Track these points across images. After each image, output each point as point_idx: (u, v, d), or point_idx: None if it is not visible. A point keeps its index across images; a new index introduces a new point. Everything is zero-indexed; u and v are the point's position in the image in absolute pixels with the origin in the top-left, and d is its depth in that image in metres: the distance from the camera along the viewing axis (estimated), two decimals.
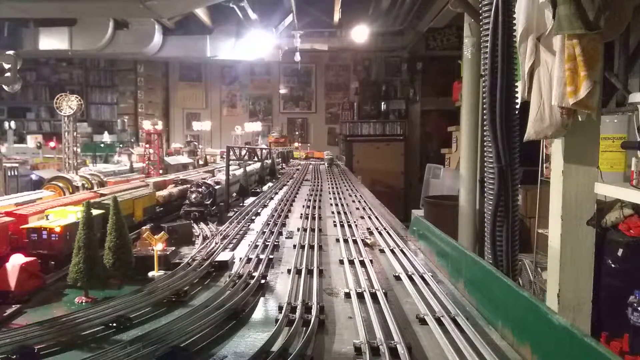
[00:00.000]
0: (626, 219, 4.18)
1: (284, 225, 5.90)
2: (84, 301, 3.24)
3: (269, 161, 12.31)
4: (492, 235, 3.72)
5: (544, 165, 5.40)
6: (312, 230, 5.42)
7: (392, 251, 4.60)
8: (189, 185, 6.55)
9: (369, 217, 6.46)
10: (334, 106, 23.80)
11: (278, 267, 4.16)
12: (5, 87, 7.03)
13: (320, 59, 22.91)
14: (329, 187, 9.60)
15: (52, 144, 15.80)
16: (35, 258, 3.50)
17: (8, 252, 3.59)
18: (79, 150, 10.66)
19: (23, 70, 13.60)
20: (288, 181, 11.21)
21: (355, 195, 8.71)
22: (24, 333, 2.52)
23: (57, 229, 3.74)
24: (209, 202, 6.14)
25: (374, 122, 21.60)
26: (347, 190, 9.42)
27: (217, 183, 6.66)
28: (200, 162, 15.18)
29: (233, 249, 4.68)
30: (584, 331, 2.15)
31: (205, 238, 5.07)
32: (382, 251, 4.71)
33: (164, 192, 6.45)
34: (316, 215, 6.37)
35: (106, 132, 21.55)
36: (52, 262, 3.75)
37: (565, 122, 3.38)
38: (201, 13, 12.06)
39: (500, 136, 3.58)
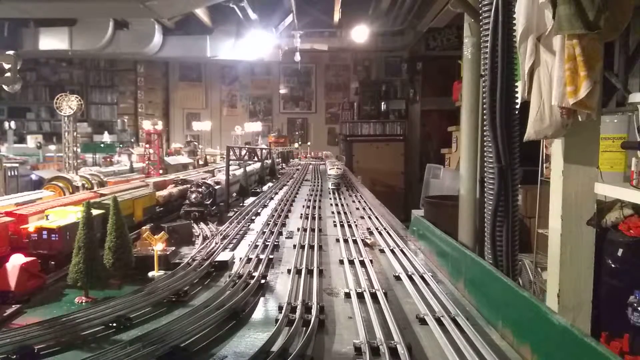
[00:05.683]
0: (626, 219, 4.17)
1: (284, 225, 5.90)
2: (84, 301, 3.24)
3: (269, 161, 12.31)
4: (492, 235, 3.72)
5: (544, 165, 5.40)
6: (312, 230, 5.42)
7: (392, 251, 4.61)
8: (189, 185, 6.55)
9: (369, 217, 6.46)
10: (334, 106, 23.80)
11: (278, 267, 4.16)
12: (5, 87, 7.04)
13: (320, 59, 22.91)
14: (329, 187, 9.58)
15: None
16: (35, 258, 3.50)
17: (8, 252, 3.59)
18: (79, 150, 10.65)
19: (23, 70, 13.60)
20: (288, 181, 11.20)
21: (355, 196, 8.71)
22: (24, 333, 2.52)
23: (57, 229, 3.74)
24: (209, 202, 6.14)
25: (374, 122, 21.61)
26: (347, 190, 9.42)
27: (217, 183, 6.67)
28: (200, 162, 15.19)
29: (233, 249, 4.68)
30: (584, 331, 2.15)
31: (205, 238, 5.07)
32: (382, 251, 4.71)
33: (164, 192, 6.45)
34: (316, 215, 6.37)
35: (106, 132, 21.55)
36: (52, 262, 3.75)
37: (565, 122, 3.37)
38: (201, 13, 12.06)
39: (500, 136, 3.58)
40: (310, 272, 3.80)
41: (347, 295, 3.34)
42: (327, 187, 9.42)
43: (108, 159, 15.19)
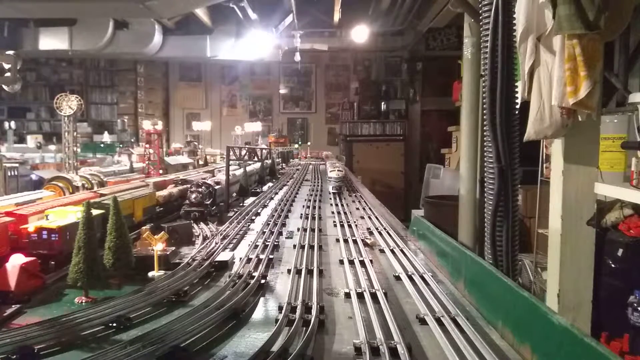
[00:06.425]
0: (626, 219, 4.16)
1: (284, 225, 5.90)
2: (84, 301, 3.24)
3: (269, 161, 12.31)
4: (492, 235, 3.72)
5: (544, 165, 5.39)
6: (312, 230, 5.42)
7: (392, 251, 4.61)
8: (189, 185, 6.55)
9: (369, 217, 6.46)
10: (334, 106, 23.80)
11: (278, 267, 4.16)
12: (5, 87, 7.03)
13: (320, 59, 22.91)
14: (330, 191, 9.54)
15: None
16: (35, 258, 3.50)
17: (8, 252, 3.59)
18: (79, 150, 10.66)
19: (23, 70, 13.56)
20: (288, 181, 11.21)
21: (356, 195, 8.71)
22: (24, 333, 2.52)
23: (57, 229, 3.74)
24: (209, 202, 6.14)
25: (374, 122, 21.59)
26: (347, 190, 9.41)
27: (217, 183, 6.67)
28: (200, 162, 15.19)
29: (233, 249, 4.68)
30: (584, 331, 2.15)
31: (205, 238, 5.07)
32: (382, 251, 4.71)
33: (164, 192, 6.46)
34: (316, 215, 6.37)
35: (106, 132, 21.55)
36: (52, 262, 3.75)
37: (565, 122, 3.37)
38: (201, 13, 12.05)
39: (500, 136, 3.58)
40: (310, 272, 3.80)
41: (347, 295, 3.34)
42: (326, 188, 9.35)
43: (79, 162, 13.91)
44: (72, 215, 4.04)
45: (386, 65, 22.82)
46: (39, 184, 8.81)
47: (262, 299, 3.36)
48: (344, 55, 22.81)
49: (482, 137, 4.33)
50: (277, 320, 2.77)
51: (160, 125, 11.05)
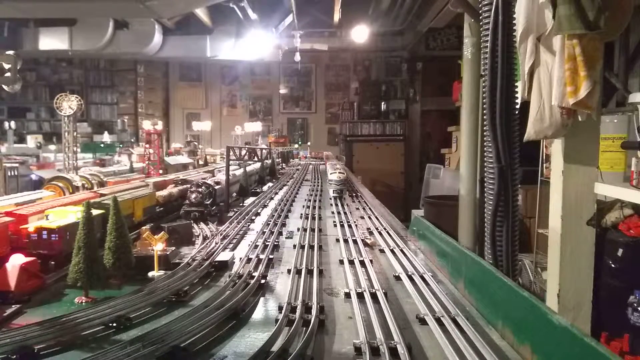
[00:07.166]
0: (626, 219, 4.17)
1: (284, 225, 5.90)
2: (84, 301, 3.24)
3: (269, 161, 12.32)
4: (492, 235, 3.72)
5: (544, 165, 5.40)
6: (312, 230, 5.42)
7: (392, 251, 4.61)
8: (189, 185, 6.55)
9: (369, 217, 6.46)
10: (334, 106, 23.80)
11: (278, 267, 4.16)
12: (5, 87, 7.02)
13: (320, 59, 22.90)
14: (330, 195, 9.49)
15: None
16: (35, 258, 3.50)
17: (8, 252, 3.59)
18: (79, 150, 10.66)
19: (23, 70, 13.54)
20: (288, 181, 11.21)
21: (356, 195, 8.71)
22: (24, 333, 2.52)
23: (57, 229, 3.74)
24: (209, 202, 6.14)
25: (374, 122, 21.61)
26: (347, 190, 9.40)
27: (217, 183, 6.67)
28: (200, 162, 15.19)
29: (233, 249, 4.68)
30: (584, 331, 2.15)
31: (205, 238, 5.07)
32: (382, 251, 4.71)
33: (164, 192, 6.46)
34: (316, 216, 6.37)
35: (106, 132, 21.55)
36: (52, 262, 3.75)
37: (565, 122, 3.37)
38: (201, 13, 12.05)
39: (500, 136, 3.58)
40: (310, 272, 3.80)
41: (347, 295, 3.34)
42: (326, 189, 9.28)
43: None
44: (72, 215, 4.04)
45: (386, 65, 22.83)
46: (39, 184, 8.80)
47: (262, 299, 3.36)
48: (344, 55, 22.80)
49: (482, 137, 4.32)
50: (277, 320, 2.77)
51: (160, 125, 11.05)
